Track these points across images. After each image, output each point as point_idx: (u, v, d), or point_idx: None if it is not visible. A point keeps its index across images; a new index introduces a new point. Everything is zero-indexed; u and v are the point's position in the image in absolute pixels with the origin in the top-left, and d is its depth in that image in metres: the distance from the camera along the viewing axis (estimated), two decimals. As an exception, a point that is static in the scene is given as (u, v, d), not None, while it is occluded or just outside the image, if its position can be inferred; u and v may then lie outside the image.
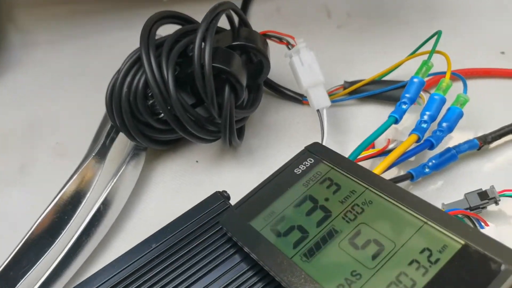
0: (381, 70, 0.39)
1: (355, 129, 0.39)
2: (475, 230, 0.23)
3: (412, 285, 0.22)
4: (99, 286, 0.28)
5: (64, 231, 0.33)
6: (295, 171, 0.29)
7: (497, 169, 0.35)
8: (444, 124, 0.32)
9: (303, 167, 0.29)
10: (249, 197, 0.28)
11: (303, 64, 0.36)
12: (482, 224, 0.30)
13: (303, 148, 0.31)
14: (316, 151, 0.29)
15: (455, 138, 0.37)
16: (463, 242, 0.22)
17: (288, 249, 0.25)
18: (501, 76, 0.40)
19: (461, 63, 0.40)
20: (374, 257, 0.23)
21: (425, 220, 0.24)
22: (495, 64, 0.40)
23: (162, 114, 0.34)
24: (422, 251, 0.23)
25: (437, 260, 0.22)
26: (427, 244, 0.23)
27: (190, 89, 0.35)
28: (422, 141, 0.32)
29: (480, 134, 0.36)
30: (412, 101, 0.33)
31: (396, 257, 0.23)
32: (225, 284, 0.27)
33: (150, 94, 0.34)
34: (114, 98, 0.34)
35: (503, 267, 0.21)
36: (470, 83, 0.39)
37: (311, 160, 0.29)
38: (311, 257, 0.24)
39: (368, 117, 0.39)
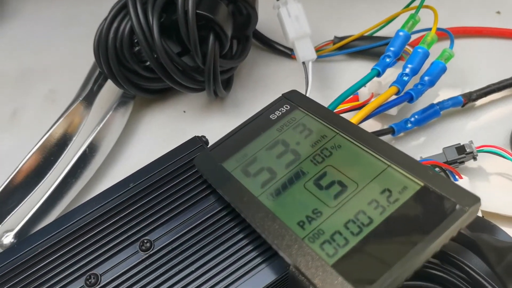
0: (372, 25, 0.38)
1: (343, 84, 0.39)
2: (436, 174, 0.23)
3: (368, 223, 0.22)
4: (79, 219, 0.29)
5: (50, 171, 0.34)
6: (270, 116, 0.29)
7: (480, 127, 0.35)
8: (426, 78, 0.32)
9: (278, 113, 0.29)
10: (224, 140, 0.29)
11: (290, 16, 0.36)
12: (456, 176, 0.30)
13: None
14: (292, 98, 0.29)
15: (441, 95, 0.37)
16: (422, 184, 0.23)
17: (256, 189, 0.26)
18: (494, 36, 0.39)
19: (455, 21, 0.39)
20: (336, 196, 0.24)
21: (389, 163, 0.24)
22: (489, 23, 0.40)
23: (149, 62, 0.35)
24: (382, 192, 0.23)
25: (396, 200, 0.23)
26: (388, 185, 0.23)
27: (176, 38, 0.35)
28: (402, 94, 0.32)
29: (466, 92, 0.35)
30: (396, 54, 0.33)
31: (357, 197, 0.23)
32: (198, 222, 0.28)
33: (136, 41, 0.34)
34: (101, 44, 0.35)
35: (457, 206, 0.21)
36: (461, 41, 0.39)
37: (287, 107, 0.29)
38: (277, 196, 0.25)
39: (357, 72, 0.39)
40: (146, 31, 0.33)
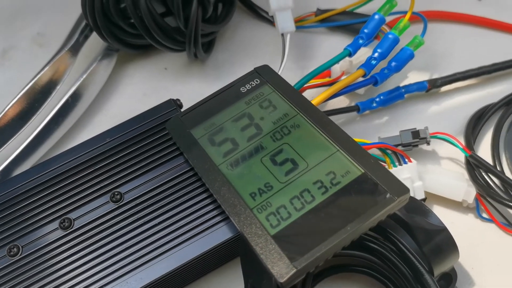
0: (356, 0, 0.40)
1: (320, 56, 0.40)
2: (377, 162, 0.25)
3: (311, 201, 0.25)
4: (58, 167, 0.31)
5: (34, 116, 0.36)
6: (241, 89, 0.31)
7: (440, 112, 0.37)
8: (393, 64, 0.34)
9: (248, 87, 0.31)
10: (195, 107, 0.31)
11: (274, -14, 0.37)
12: (406, 159, 0.32)
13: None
14: (263, 73, 0.31)
15: (410, 78, 0.39)
16: (362, 171, 0.25)
17: (218, 158, 0.28)
18: (471, 23, 0.40)
19: (435, 4, 0.40)
20: (287, 173, 0.26)
21: (338, 148, 0.26)
22: (468, 10, 0.41)
23: (133, 19, 0.36)
24: (328, 174, 0.26)
25: (337, 183, 0.25)
26: (333, 169, 0.26)
27: (161, -1, 0.36)
28: (368, 77, 0.34)
29: (433, 77, 0.37)
30: (369, 36, 0.35)
31: (306, 175, 0.26)
32: (167, 180, 0.30)
33: (122, -2, 0.36)
34: (88, -3, 0.36)
35: (388, 195, 0.24)
36: (438, 25, 0.40)
37: (257, 81, 0.31)
38: (236, 167, 0.28)
39: (335, 47, 0.40)
40: (131, -10, 0.34)
